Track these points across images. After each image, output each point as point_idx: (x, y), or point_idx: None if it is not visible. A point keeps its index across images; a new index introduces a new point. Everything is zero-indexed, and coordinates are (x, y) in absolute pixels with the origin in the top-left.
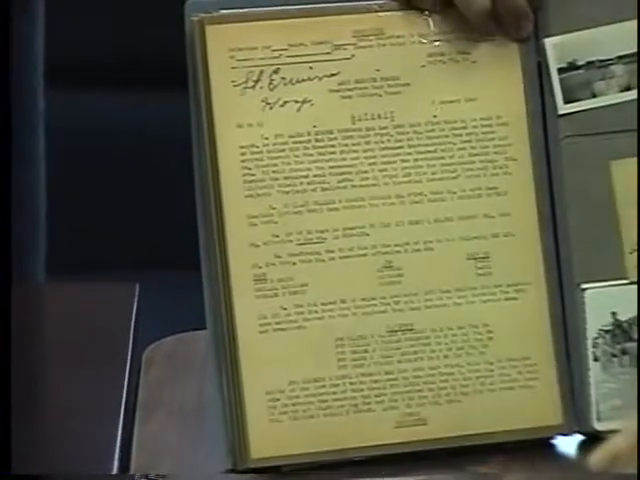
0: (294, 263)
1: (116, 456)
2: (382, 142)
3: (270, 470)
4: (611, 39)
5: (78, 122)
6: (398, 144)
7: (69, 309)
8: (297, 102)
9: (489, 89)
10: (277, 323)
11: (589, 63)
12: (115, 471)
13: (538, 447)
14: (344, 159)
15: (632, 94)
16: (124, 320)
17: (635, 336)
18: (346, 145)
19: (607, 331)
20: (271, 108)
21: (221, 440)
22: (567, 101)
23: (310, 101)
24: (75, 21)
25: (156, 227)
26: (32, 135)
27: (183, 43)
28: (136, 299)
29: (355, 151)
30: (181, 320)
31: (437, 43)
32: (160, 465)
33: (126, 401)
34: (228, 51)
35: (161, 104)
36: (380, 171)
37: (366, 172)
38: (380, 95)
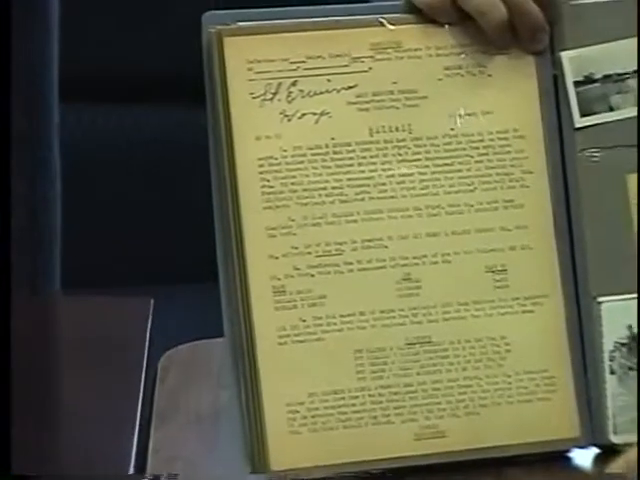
0: (313, 275)
1: (132, 463)
2: (400, 155)
3: None
4: (627, 53)
5: (93, 136)
6: (416, 157)
7: (85, 322)
8: (315, 114)
9: (505, 102)
10: (296, 335)
11: (605, 77)
12: None
13: (554, 459)
14: (362, 171)
15: None
16: (139, 334)
17: None
18: (364, 157)
19: (623, 344)
20: (289, 120)
21: (237, 448)
22: (583, 114)
23: (328, 113)
24: (90, 36)
25: (170, 240)
26: (48, 149)
27: (197, 56)
28: (151, 313)
29: (373, 163)
30: (195, 332)
31: (454, 56)
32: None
33: (142, 410)
34: (246, 63)
35: (175, 117)
36: (398, 183)
37: (384, 184)
38: (398, 108)
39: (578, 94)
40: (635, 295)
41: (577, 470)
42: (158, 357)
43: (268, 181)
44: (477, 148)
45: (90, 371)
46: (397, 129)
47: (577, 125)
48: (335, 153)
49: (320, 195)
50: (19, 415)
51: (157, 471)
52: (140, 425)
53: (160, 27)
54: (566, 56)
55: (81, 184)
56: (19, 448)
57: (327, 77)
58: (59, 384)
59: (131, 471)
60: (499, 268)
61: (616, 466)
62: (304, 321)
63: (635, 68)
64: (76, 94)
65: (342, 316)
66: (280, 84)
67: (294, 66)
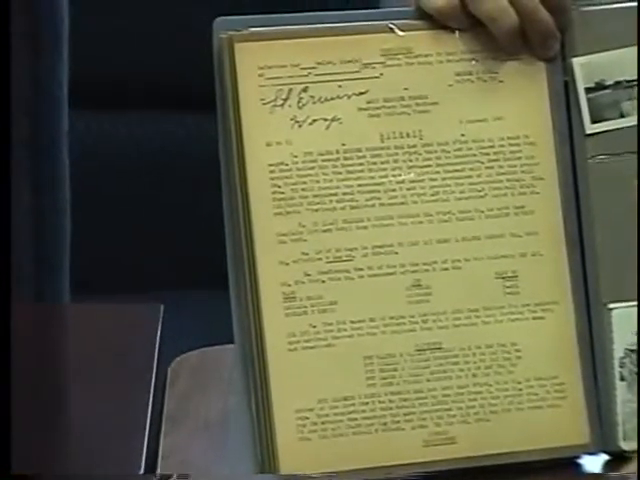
0: (323, 281)
1: (142, 469)
2: (410, 161)
3: None
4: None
5: (102, 144)
6: (426, 163)
7: (95, 328)
8: (326, 120)
9: (516, 108)
10: (306, 341)
11: (617, 83)
12: None
13: (564, 466)
14: (372, 177)
15: None
16: (148, 341)
17: None
18: (374, 163)
19: (633, 350)
20: (300, 126)
21: (245, 454)
22: (594, 121)
23: (339, 119)
24: (100, 42)
25: (181, 247)
26: (57, 157)
27: (207, 64)
28: (160, 320)
29: (383, 169)
30: (205, 339)
31: (465, 62)
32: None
33: (151, 415)
34: (257, 69)
35: (185, 124)
36: (408, 190)
37: (394, 190)
38: (408, 114)
39: (589, 100)
40: None
41: (586, 477)
42: (168, 363)
43: (279, 187)
44: (487, 154)
45: (99, 376)
46: (408, 135)
47: (588, 131)
48: (346, 159)
49: (331, 201)
50: (27, 420)
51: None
52: (149, 431)
53: (170, 33)
54: (577, 62)
55: (90, 192)
56: (20, 449)
57: (338, 83)
58: (67, 389)
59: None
60: (509, 274)
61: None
62: (314, 327)
63: None
64: (85, 101)
65: (352, 322)
66: (291, 90)
67: (305, 72)
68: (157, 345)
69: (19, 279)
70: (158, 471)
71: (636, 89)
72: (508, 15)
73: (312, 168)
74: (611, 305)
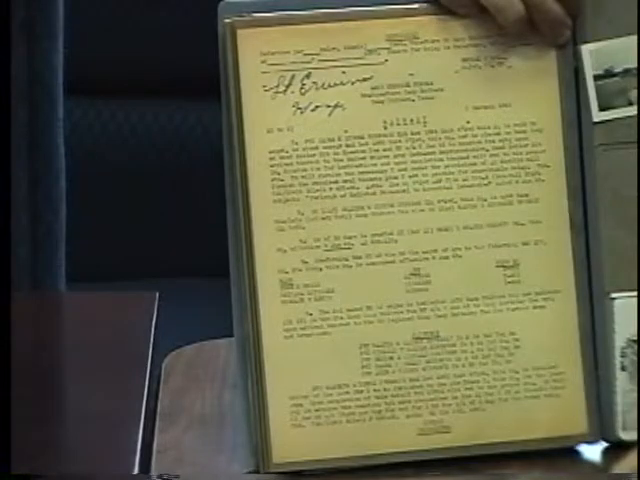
0: (321, 269)
1: (137, 464)
2: (413, 148)
3: (292, 474)
4: None
5: (97, 132)
6: (430, 150)
7: (89, 318)
8: (328, 107)
9: (524, 95)
10: (302, 329)
11: (626, 71)
12: None
13: (560, 453)
14: (374, 164)
15: None
16: (144, 328)
17: None
18: (377, 150)
19: (635, 341)
20: (302, 113)
21: (241, 448)
22: (602, 108)
23: (342, 106)
24: (96, 29)
25: (175, 235)
26: (53, 145)
27: (206, 50)
28: (156, 307)
29: (386, 157)
30: (200, 328)
31: (472, 48)
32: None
33: (146, 409)
34: (260, 55)
35: (182, 112)
36: (410, 177)
37: (396, 178)
38: (413, 100)
39: (597, 88)
40: None
41: (583, 465)
42: (163, 352)
43: (278, 174)
44: (493, 141)
45: (94, 370)
46: (412, 122)
47: (595, 119)
48: (347, 146)
49: (331, 189)
50: (20, 414)
51: (161, 472)
52: (144, 426)
53: (169, 18)
54: (586, 49)
55: (87, 179)
56: (19, 448)
57: (342, 69)
58: (61, 382)
59: (135, 472)
60: (511, 263)
61: (626, 466)
62: (311, 315)
63: None
64: (81, 88)
65: (349, 310)
66: (294, 76)
67: (308, 58)
68: (152, 334)
69: (16, 267)
70: (153, 467)
71: None
72: (514, 5)
73: (313, 155)
74: (614, 295)
